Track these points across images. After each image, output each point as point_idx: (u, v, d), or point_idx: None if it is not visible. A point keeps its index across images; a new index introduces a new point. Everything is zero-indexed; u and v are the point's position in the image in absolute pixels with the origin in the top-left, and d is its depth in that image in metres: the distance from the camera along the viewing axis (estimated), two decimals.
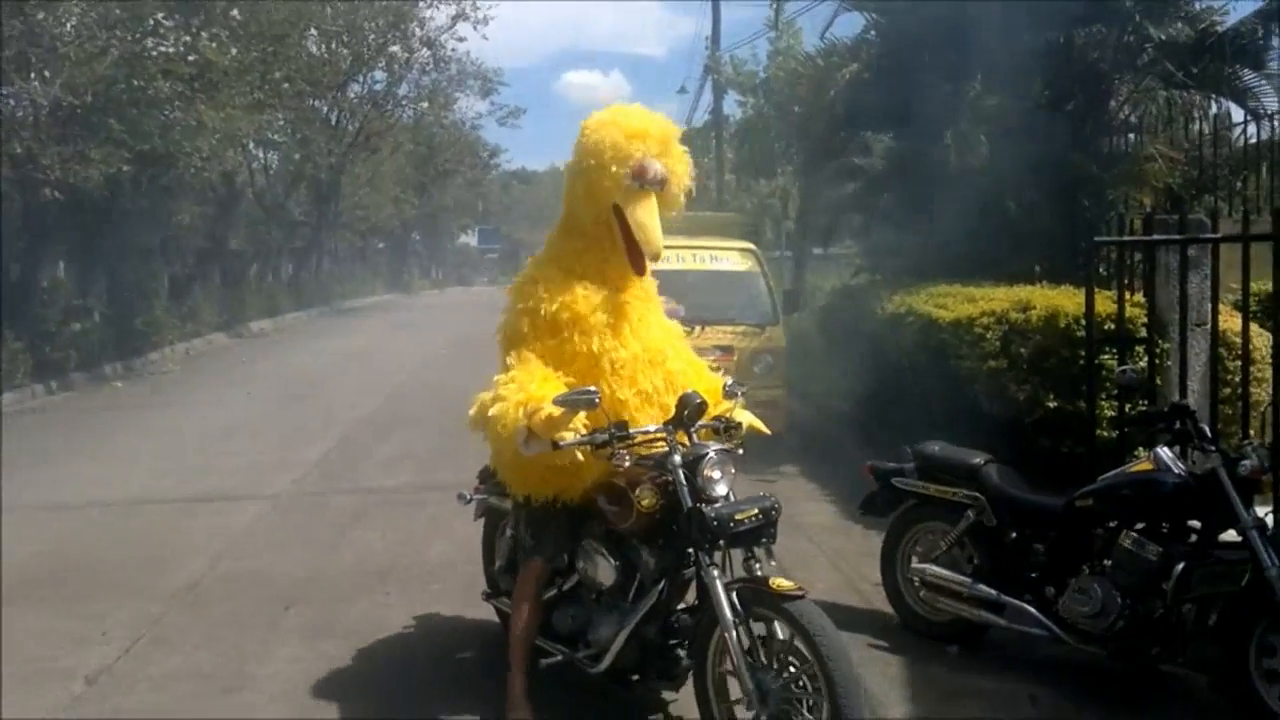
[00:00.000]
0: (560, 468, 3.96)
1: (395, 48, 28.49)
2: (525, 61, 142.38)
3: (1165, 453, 4.45)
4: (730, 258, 9.53)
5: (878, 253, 11.90)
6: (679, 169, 4.17)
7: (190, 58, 15.43)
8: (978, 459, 5.03)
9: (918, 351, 7.97)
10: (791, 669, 3.63)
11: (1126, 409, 5.71)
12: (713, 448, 3.90)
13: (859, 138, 11.28)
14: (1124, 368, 5.30)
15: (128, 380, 16.23)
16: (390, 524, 7.16)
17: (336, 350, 19.69)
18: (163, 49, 15.13)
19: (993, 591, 4.78)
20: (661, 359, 4.20)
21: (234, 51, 17.81)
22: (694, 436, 3.97)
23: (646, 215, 4.05)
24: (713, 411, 4.19)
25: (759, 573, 3.81)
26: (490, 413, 3.94)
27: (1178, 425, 4.41)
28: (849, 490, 7.76)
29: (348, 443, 10.26)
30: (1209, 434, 4.45)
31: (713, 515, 3.72)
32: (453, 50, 30.41)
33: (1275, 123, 9.89)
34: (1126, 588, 4.37)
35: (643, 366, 4.13)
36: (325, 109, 29.34)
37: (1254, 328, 6.04)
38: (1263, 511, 4.33)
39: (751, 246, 9.73)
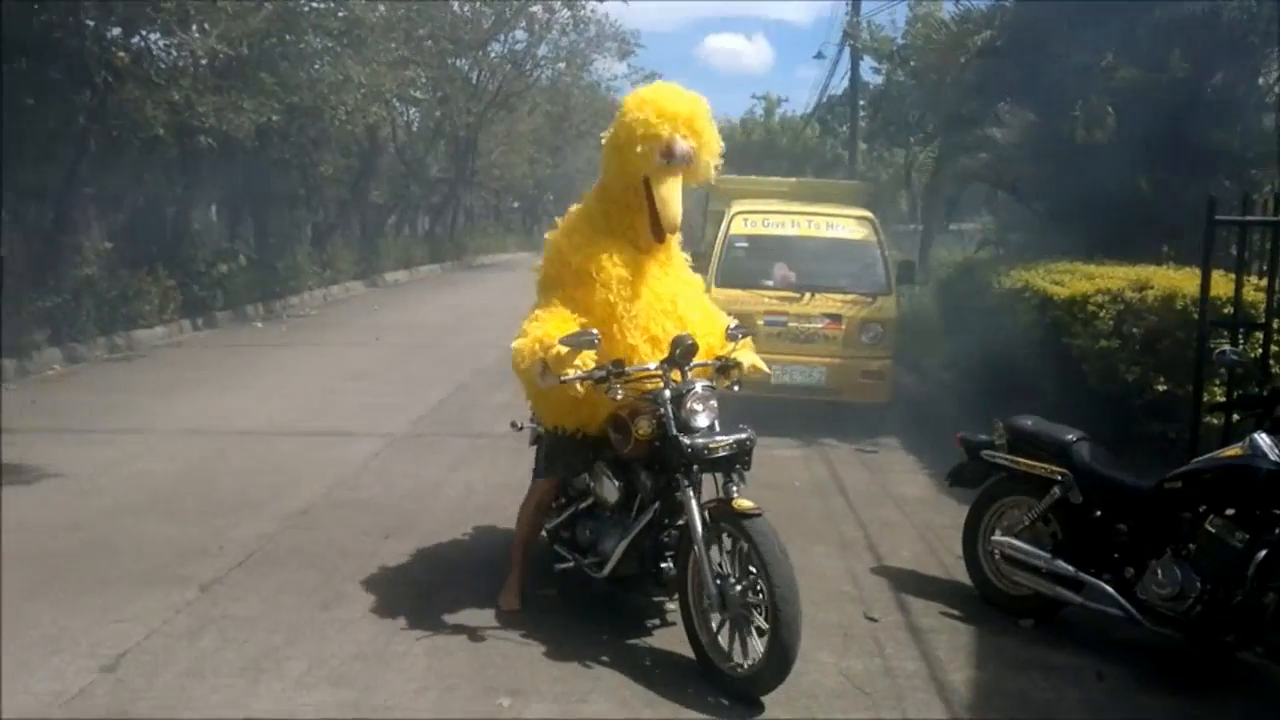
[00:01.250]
0: (576, 400, 4.55)
1: (536, 8, 28.81)
2: (668, 26, 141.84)
3: (1264, 439, 4.31)
4: (846, 225, 9.45)
5: (1004, 227, 11.63)
6: (706, 146, 4.67)
7: (340, 14, 16.02)
8: (1070, 435, 4.96)
9: (1032, 327, 7.82)
10: (750, 578, 4.12)
11: (1234, 394, 5.53)
12: (698, 384, 4.45)
13: (991, 108, 10.99)
14: (1224, 349, 5.13)
15: (268, 321, 17.11)
16: (493, 466, 7.44)
17: (464, 303, 20.26)
18: (314, 4, 15.74)
19: (1071, 568, 4.74)
20: (673, 309, 4.75)
21: (382, 9, 18.41)
22: (686, 374, 4.50)
23: (670, 191, 4.59)
24: (718, 352, 4.79)
25: (733, 494, 4.27)
26: (513, 346, 4.61)
27: (1278, 411, 4.27)
28: (947, 464, 7.68)
29: (464, 390, 10.64)
30: None
31: (688, 444, 4.28)
32: (592, 11, 30.63)
33: None
34: (1208, 572, 4.29)
35: (655, 315, 4.70)
36: (466, 68, 29.93)
37: None
38: None
39: (868, 215, 9.62)
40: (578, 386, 4.45)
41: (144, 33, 11.99)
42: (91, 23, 10.56)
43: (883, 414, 9.18)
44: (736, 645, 4.19)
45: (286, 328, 16.36)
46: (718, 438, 4.35)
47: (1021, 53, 9.42)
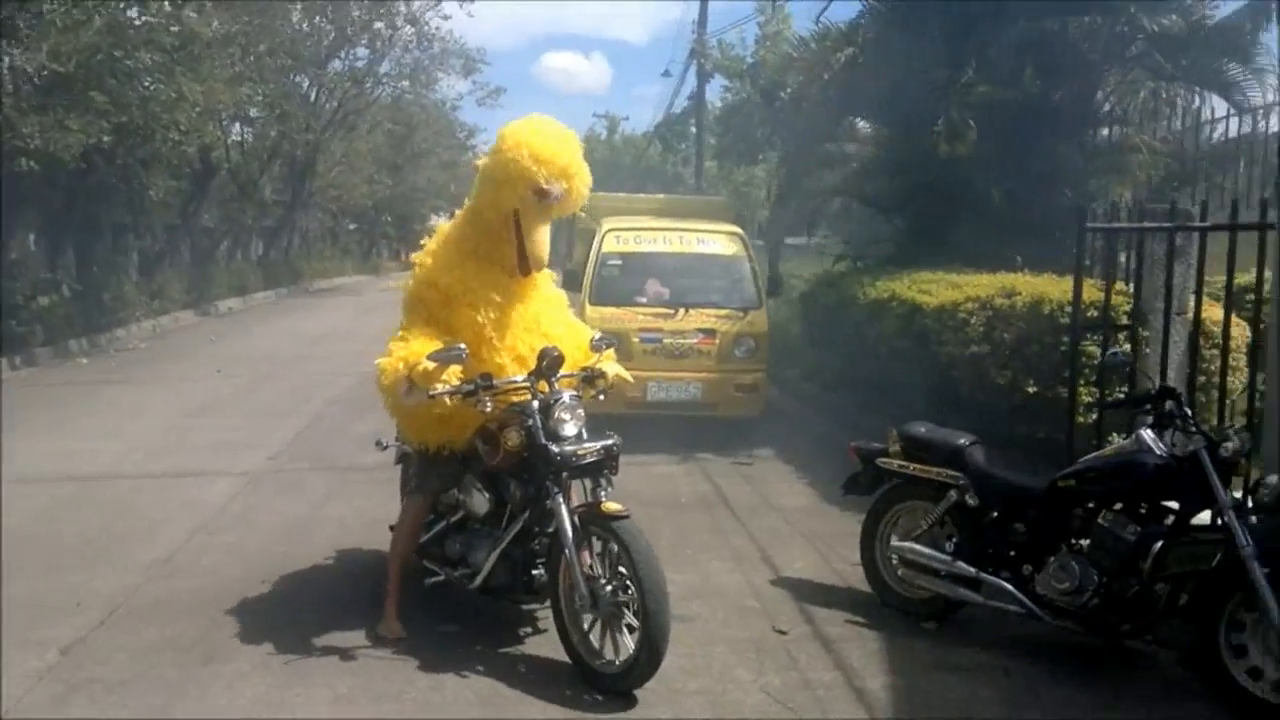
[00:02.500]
0: (443, 416, 4.69)
1: (379, 24, 28.12)
2: (507, 43, 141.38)
3: (1148, 434, 4.50)
4: (716, 241, 9.53)
5: (860, 240, 11.94)
6: (578, 187, 4.89)
7: (173, 28, 15.18)
8: (963, 439, 5.07)
9: (899, 337, 8.01)
10: (620, 578, 4.28)
11: (1105, 394, 5.78)
12: (565, 394, 4.61)
13: (847, 124, 11.27)
14: (1113, 350, 5.35)
15: (93, 357, 15.95)
16: (367, 501, 7.09)
17: (307, 331, 19.51)
18: (146, 18, 14.87)
19: (972, 569, 4.84)
20: (538, 326, 4.95)
21: (216, 23, 17.58)
22: (554, 385, 4.62)
23: (539, 231, 4.83)
24: (583, 364, 4.95)
25: (602, 498, 4.45)
26: (378, 364, 4.72)
27: (1167, 407, 4.46)
28: (827, 474, 7.80)
29: (321, 421, 10.19)
30: (1193, 417, 4.49)
31: (557, 451, 4.43)
32: (436, 28, 30.13)
33: (1259, 117, 10.01)
34: (1103, 566, 4.45)
35: (521, 334, 4.88)
36: (305, 84, 29.02)
37: (1233, 318, 6.12)
38: (1236, 494, 4.38)
39: (738, 231, 9.72)
40: (446, 401, 4.54)
41: None
42: None
43: (754, 426, 9.25)
44: (608, 644, 4.35)
45: (115, 363, 15.31)
46: (585, 444, 4.51)
47: (883, 70, 9.68)
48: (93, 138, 12.51)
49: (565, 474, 4.48)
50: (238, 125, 25.26)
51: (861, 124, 11.39)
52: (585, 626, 4.42)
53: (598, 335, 5.11)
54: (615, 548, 4.30)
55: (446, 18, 32.92)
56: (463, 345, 4.55)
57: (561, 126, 4.96)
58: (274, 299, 28.61)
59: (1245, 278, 6.18)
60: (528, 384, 4.64)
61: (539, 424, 4.51)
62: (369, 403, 10.95)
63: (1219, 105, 10.31)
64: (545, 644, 4.72)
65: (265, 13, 18.17)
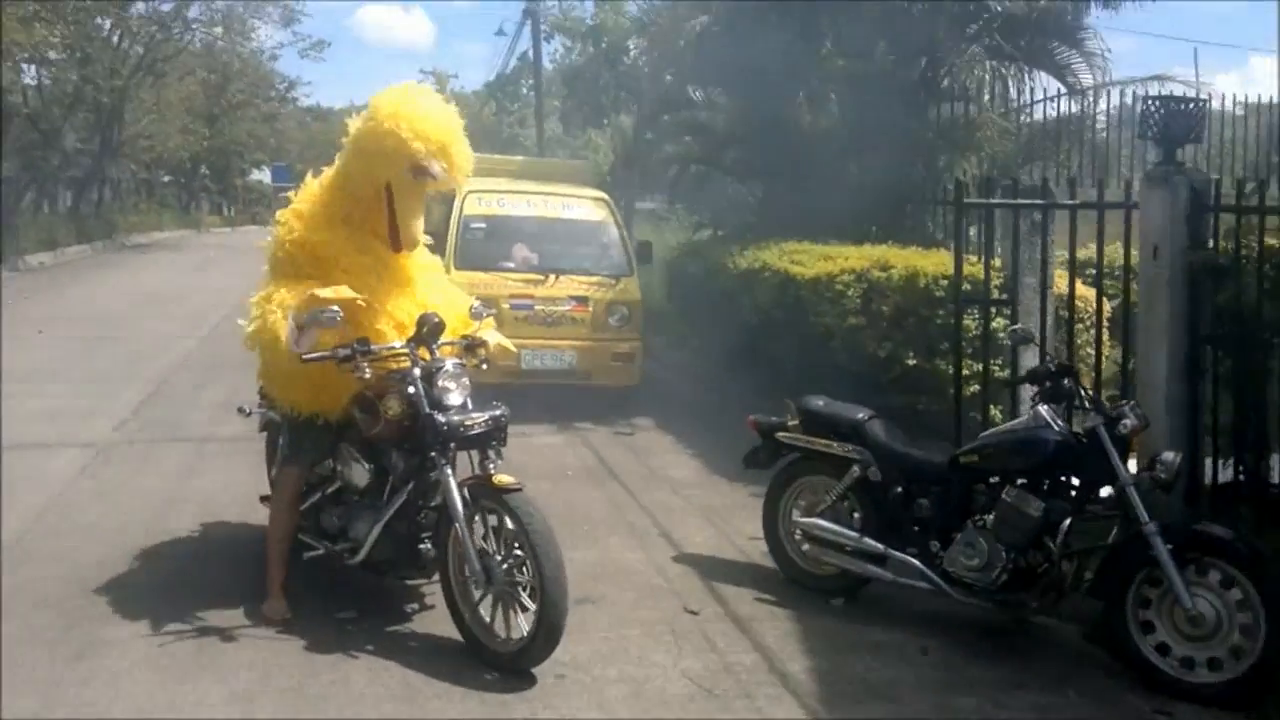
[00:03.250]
0: (316, 382, 4.51)
1: None
2: None
3: (1045, 410, 4.64)
4: (583, 206, 9.35)
5: (718, 209, 12.01)
6: (458, 167, 4.68)
7: None
8: (861, 414, 5.11)
9: (773, 307, 8.09)
10: (516, 554, 4.15)
11: (992, 370, 5.98)
12: (449, 362, 4.44)
13: (703, 92, 11.26)
14: (1015, 327, 5.51)
15: None
16: (233, 475, 6.65)
17: (132, 288, 18.24)
18: None
19: (879, 545, 4.89)
20: (414, 293, 4.81)
21: None
22: (435, 352, 4.46)
23: (412, 209, 4.68)
24: (463, 331, 4.80)
25: (491, 470, 4.29)
26: (247, 329, 4.61)
27: (1065, 384, 4.61)
28: (709, 444, 7.87)
29: (168, 387, 9.55)
30: (1091, 393, 4.68)
31: (443, 421, 4.25)
32: None
33: (1088, 98, 10.57)
34: (1009, 542, 4.53)
35: (399, 301, 4.72)
36: (107, 28, 26.96)
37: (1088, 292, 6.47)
38: (1132, 469, 4.59)
39: (604, 196, 9.58)
40: (318, 367, 4.38)
41: None
42: None
43: (628, 395, 9.18)
44: (499, 621, 4.21)
45: None
46: (473, 415, 4.37)
47: (739, 39, 9.68)
48: None
49: (452, 445, 4.32)
50: (34, 68, 23.25)
51: (714, 92, 11.37)
52: (476, 603, 4.27)
53: (477, 303, 4.98)
54: (509, 523, 4.16)
55: None
56: (337, 308, 4.34)
57: (437, 97, 4.79)
58: (89, 253, 26.58)
59: (1085, 253, 6.56)
60: (408, 350, 4.46)
61: (422, 392, 4.33)
62: (219, 368, 10.44)
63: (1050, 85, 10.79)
64: (435, 621, 4.56)
65: None
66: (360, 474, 4.63)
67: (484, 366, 4.85)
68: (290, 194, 5.06)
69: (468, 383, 4.49)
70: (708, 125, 10.95)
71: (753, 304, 8.44)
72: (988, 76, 10.24)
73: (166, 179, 47.05)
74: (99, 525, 5.77)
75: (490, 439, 4.39)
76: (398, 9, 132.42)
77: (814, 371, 7.53)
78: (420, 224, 4.74)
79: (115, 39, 27.88)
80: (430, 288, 4.97)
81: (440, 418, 4.29)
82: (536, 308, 8.62)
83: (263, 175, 64.38)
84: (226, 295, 16.93)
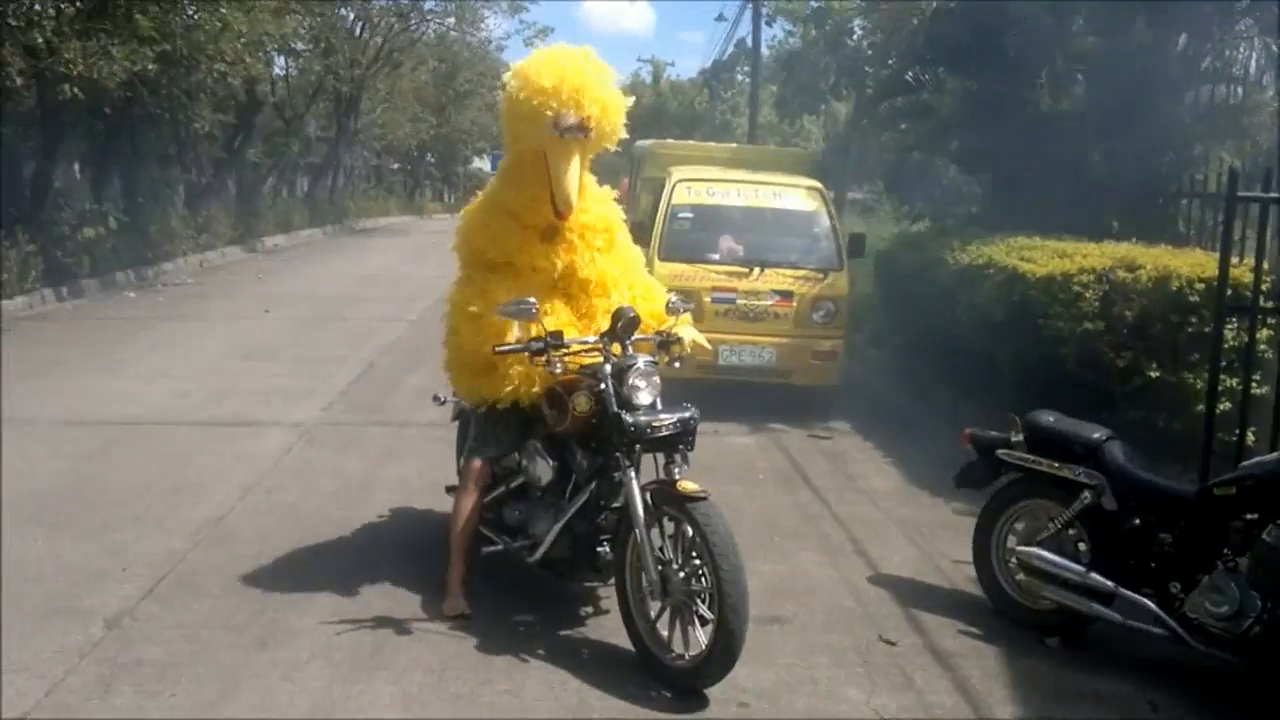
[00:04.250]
0: (504, 374, 4.42)
1: None
2: None
3: None
4: (794, 195, 8.91)
5: (941, 199, 11.31)
6: (597, 112, 4.36)
7: None
8: (1098, 434, 4.54)
9: (995, 307, 7.43)
10: (694, 563, 3.89)
11: (1251, 385, 5.22)
12: (641, 359, 4.23)
13: (932, 75, 10.58)
14: None
15: (141, 290, 15.73)
16: (426, 460, 6.67)
17: (355, 271, 19.14)
18: None
19: (1109, 582, 4.32)
20: (586, 286, 4.63)
21: None
22: (628, 349, 4.25)
23: (562, 166, 4.36)
24: (657, 327, 4.60)
25: (676, 476, 4.03)
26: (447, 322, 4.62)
27: None
28: (912, 453, 7.37)
29: (374, 370, 9.80)
30: None
31: (630, 421, 4.05)
32: None
33: None
34: (1267, 590, 3.91)
35: (572, 295, 4.61)
36: (350, 18, 28.42)
37: None
38: None
39: (817, 185, 9.09)
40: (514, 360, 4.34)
41: None
42: None
43: (832, 397, 8.72)
44: (677, 635, 3.98)
45: (164, 298, 15.04)
46: (661, 416, 4.13)
47: (979, 16, 8.98)
48: (137, 65, 12.04)
49: (638, 446, 4.11)
50: (282, 59, 24.70)
51: (947, 75, 10.67)
52: (652, 614, 4.05)
53: (674, 297, 4.70)
54: (690, 531, 3.92)
55: None
56: (533, 300, 4.22)
57: (578, 52, 4.50)
58: (320, 237, 28.30)
59: None
60: (600, 345, 4.30)
61: (611, 389, 4.14)
62: (423, 353, 10.63)
63: None
64: (610, 628, 4.36)
65: None
66: (544, 470, 4.49)
67: (677, 364, 4.64)
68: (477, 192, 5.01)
69: (658, 382, 4.26)
70: (932, 109, 10.27)
71: (971, 303, 7.79)
72: (1256, 55, 9.15)
73: (395, 166, 49.43)
74: (298, 507, 5.87)
75: (678, 442, 4.15)
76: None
77: (1036, 380, 6.88)
78: (573, 185, 4.41)
79: (358, 30, 29.38)
80: (620, 282, 4.73)
81: (628, 417, 4.08)
82: (739, 302, 8.28)
83: (483, 163, 67.13)
84: (438, 281, 17.52)
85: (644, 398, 4.18)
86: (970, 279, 7.83)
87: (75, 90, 12.04)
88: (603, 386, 4.17)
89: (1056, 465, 4.56)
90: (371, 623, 4.38)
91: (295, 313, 13.35)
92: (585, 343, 4.37)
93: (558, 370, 4.25)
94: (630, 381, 4.16)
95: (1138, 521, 4.35)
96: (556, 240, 4.61)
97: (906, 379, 9.56)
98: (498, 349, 4.28)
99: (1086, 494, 4.45)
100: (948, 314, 8.29)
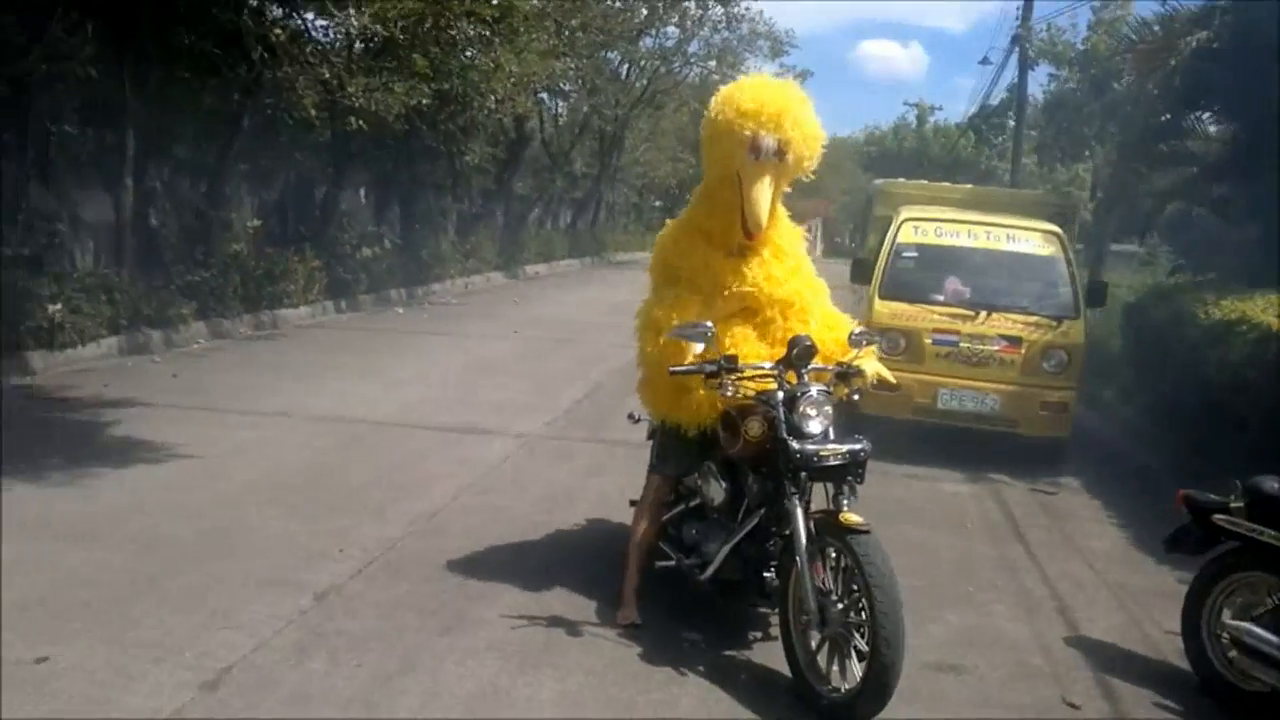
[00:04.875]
0: (686, 394, 4.51)
1: (689, 3, 28.21)
2: (822, 28, 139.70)
3: None
4: (1030, 239, 8.55)
5: (1200, 251, 10.52)
6: (799, 139, 4.41)
7: (494, 1, 15.74)
8: None
9: (1248, 366, 6.88)
10: (853, 596, 3.87)
11: None
12: (814, 388, 4.23)
13: (1193, 119, 9.89)
14: None
15: (409, 307, 17.06)
16: (628, 477, 6.83)
17: (602, 300, 19.85)
18: None
19: None
20: (770, 311, 4.63)
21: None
22: (803, 377, 4.27)
23: (756, 189, 4.43)
24: (840, 358, 4.56)
25: (843, 507, 4.03)
26: (638, 336, 4.73)
27: None
28: (1144, 516, 6.87)
29: (599, 390, 10.16)
30: None
31: (798, 449, 4.06)
32: (745, 9, 29.90)
33: None
34: None
35: (765, 319, 4.62)
36: (616, 61, 29.62)
37: None
38: None
39: (1056, 230, 8.67)
40: (689, 380, 4.41)
41: (300, 11, 11.86)
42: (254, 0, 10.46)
43: (1060, 451, 8.26)
44: (835, 667, 3.96)
45: (428, 315, 16.25)
46: (829, 445, 4.14)
47: (1241, 57, 8.34)
48: (415, 100, 13.11)
49: (804, 474, 4.11)
50: (550, 98, 26.05)
51: (1207, 119, 9.94)
52: (813, 644, 4.04)
53: (858, 330, 4.69)
54: (849, 563, 3.90)
55: None
56: (709, 324, 4.31)
57: (779, 81, 4.67)
58: (578, 267, 29.58)
59: None
60: (775, 372, 4.33)
61: (783, 416, 4.17)
62: None
63: None
64: (771, 652, 4.35)
65: None
66: (717, 491, 4.58)
67: (855, 397, 4.61)
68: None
69: (830, 411, 4.25)
70: (1194, 156, 9.57)
71: (1223, 361, 7.23)
72: None
73: (656, 204, 50.87)
74: (505, 508, 6.21)
75: (846, 473, 4.14)
76: (896, 44, 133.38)
77: None
78: (764, 207, 4.45)
79: (623, 72, 30.60)
80: (804, 311, 4.71)
81: (795, 445, 4.10)
82: (961, 345, 8.02)
83: None
84: None
85: (814, 426, 4.18)
86: (1221, 335, 7.28)
87: (360, 123, 13.24)
88: (775, 413, 4.20)
89: (1276, 535, 4.17)
90: (548, 621, 4.58)
91: (541, 334, 14.07)
92: (760, 368, 4.40)
93: (729, 393, 4.31)
94: (801, 409, 4.17)
95: None
96: (748, 258, 4.66)
97: (1152, 438, 8.94)
98: (673, 369, 4.35)
99: None
100: (1197, 371, 7.73)
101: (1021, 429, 8.02)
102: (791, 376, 4.30)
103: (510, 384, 10.28)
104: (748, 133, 4.35)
